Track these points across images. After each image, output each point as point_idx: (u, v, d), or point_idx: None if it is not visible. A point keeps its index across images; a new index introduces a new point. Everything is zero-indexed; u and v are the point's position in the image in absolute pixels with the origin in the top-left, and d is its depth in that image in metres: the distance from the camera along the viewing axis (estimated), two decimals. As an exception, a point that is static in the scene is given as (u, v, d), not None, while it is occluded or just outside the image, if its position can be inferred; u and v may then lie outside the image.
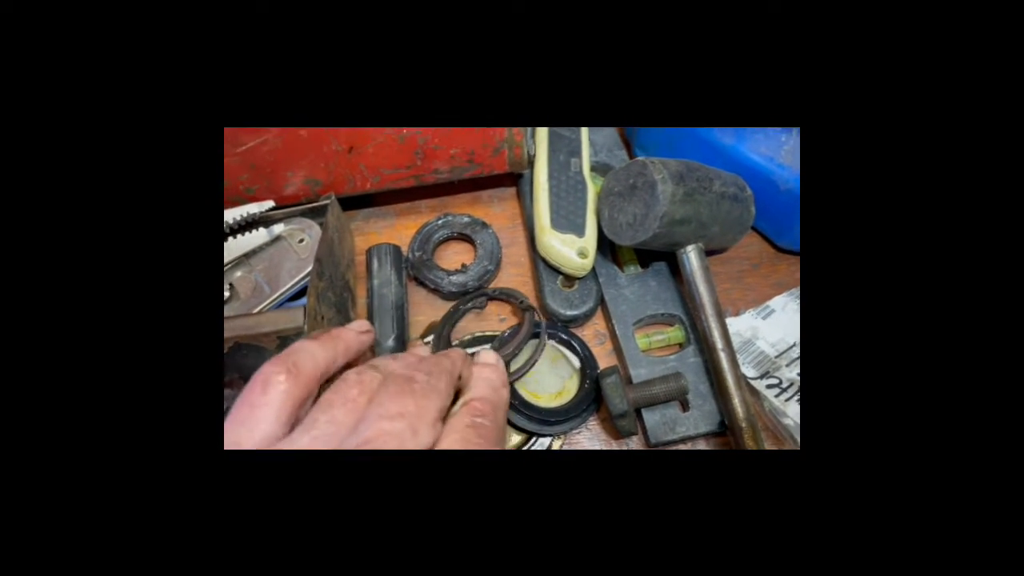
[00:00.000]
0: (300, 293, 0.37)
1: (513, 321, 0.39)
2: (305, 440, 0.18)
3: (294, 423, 0.20)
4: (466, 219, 0.41)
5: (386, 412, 0.19)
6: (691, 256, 0.35)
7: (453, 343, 0.37)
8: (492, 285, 0.40)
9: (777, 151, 0.37)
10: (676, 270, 0.39)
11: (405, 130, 0.36)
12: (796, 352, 0.36)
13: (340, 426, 0.19)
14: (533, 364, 0.35)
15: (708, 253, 0.38)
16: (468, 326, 0.39)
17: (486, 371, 0.24)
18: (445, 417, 0.21)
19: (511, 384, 0.34)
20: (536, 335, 0.36)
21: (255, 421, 0.19)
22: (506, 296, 0.39)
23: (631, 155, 0.45)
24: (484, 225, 0.41)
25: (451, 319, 0.38)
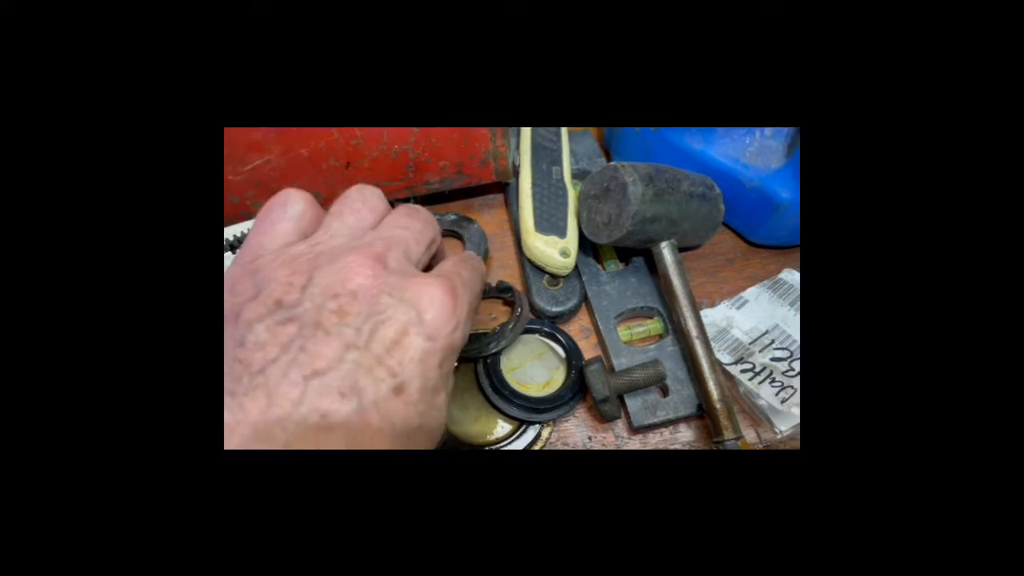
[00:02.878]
0: (304, 299, 0.40)
1: (504, 319, 0.42)
2: (325, 238, 0.23)
3: (306, 236, 0.24)
4: (453, 216, 0.44)
5: (397, 223, 0.24)
6: (665, 252, 0.37)
7: None
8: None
9: (742, 152, 0.40)
10: (653, 266, 0.41)
11: (397, 145, 0.39)
12: (768, 339, 0.39)
13: (353, 228, 0.24)
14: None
15: (682, 249, 0.41)
16: (461, 326, 0.42)
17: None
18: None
19: (500, 369, 0.36)
20: (528, 330, 0.38)
21: (276, 233, 0.23)
22: (498, 293, 0.41)
23: (610, 162, 0.48)
24: (470, 221, 0.44)
25: None
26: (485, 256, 0.43)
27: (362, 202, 0.25)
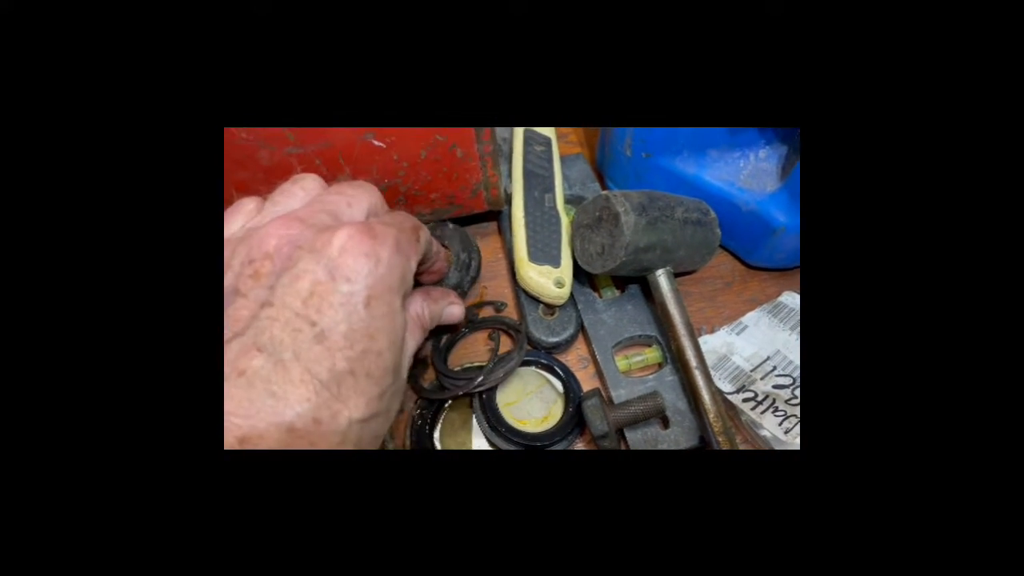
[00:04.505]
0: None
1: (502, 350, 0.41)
2: (257, 219, 0.25)
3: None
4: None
5: (331, 191, 0.26)
6: (661, 280, 0.37)
7: (454, 368, 0.38)
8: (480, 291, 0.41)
9: (736, 176, 0.39)
10: (650, 292, 0.40)
11: (387, 179, 0.39)
12: (770, 366, 0.38)
13: (285, 208, 0.25)
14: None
15: (679, 274, 0.40)
16: (455, 359, 0.41)
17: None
18: None
19: (495, 405, 0.36)
20: (524, 362, 0.38)
21: (235, 220, 0.26)
22: (502, 326, 0.40)
23: (604, 186, 0.47)
24: (443, 223, 0.39)
25: (449, 345, 0.39)
26: (477, 256, 0.39)
27: (293, 184, 0.27)
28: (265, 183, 0.36)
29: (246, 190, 0.36)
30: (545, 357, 0.39)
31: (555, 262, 0.39)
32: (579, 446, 0.37)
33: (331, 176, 0.37)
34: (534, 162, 0.45)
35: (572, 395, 0.37)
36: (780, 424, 0.35)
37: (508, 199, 0.43)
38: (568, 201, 0.45)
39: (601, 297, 0.41)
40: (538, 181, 0.43)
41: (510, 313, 0.43)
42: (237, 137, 0.34)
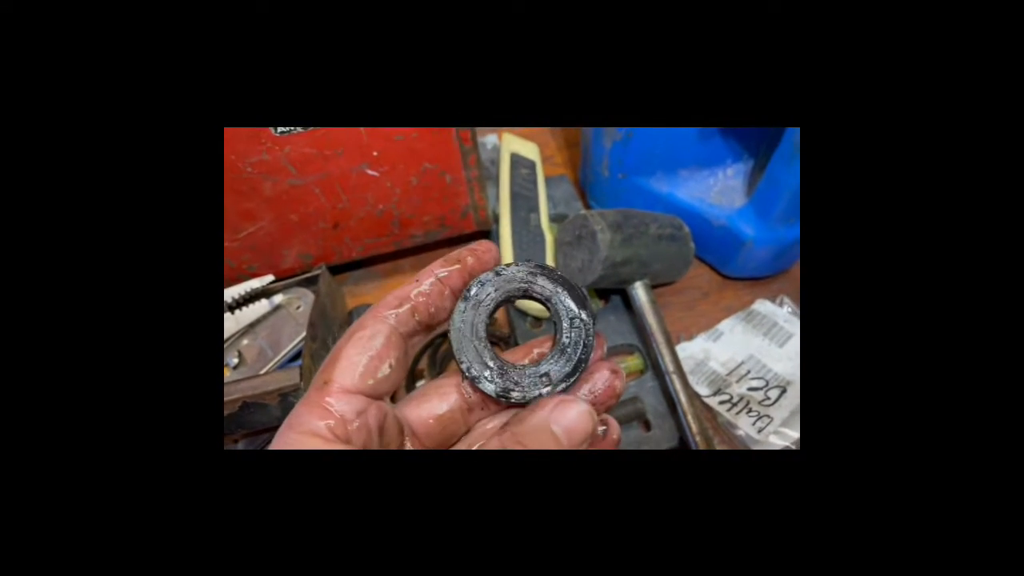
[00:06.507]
0: (300, 354, 0.42)
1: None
2: None
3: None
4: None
5: None
6: (639, 292, 0.39)
7: None
8: None
9: (707, 193, 0.42)
10: (630, 304, 0.43)
11: (381, 205, 0.42)
12: (744, 369, 0.40)
13: None
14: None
15: (658, 286, 0.43)
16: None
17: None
18: None
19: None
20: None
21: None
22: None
23: (587, 205, 0.50)
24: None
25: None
26: None
27: None
28: (269, 211, 0.39)
29: (251, 218, 0.40)
30: (533, 367, 0.41)
31: (540, 278, 0.42)
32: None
33: (332, 205, 0.40)
34: (520, 184, 0.47)
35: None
36: (754, 424, 0.37)
37: (496, 219, 0.46)
38: (553, 219, 0.48)
39: (585, 309, 0.44)
40: (524, 202, 0.46)
41: (500, 326, 0.45)
42: (242, 171, 0.37)
